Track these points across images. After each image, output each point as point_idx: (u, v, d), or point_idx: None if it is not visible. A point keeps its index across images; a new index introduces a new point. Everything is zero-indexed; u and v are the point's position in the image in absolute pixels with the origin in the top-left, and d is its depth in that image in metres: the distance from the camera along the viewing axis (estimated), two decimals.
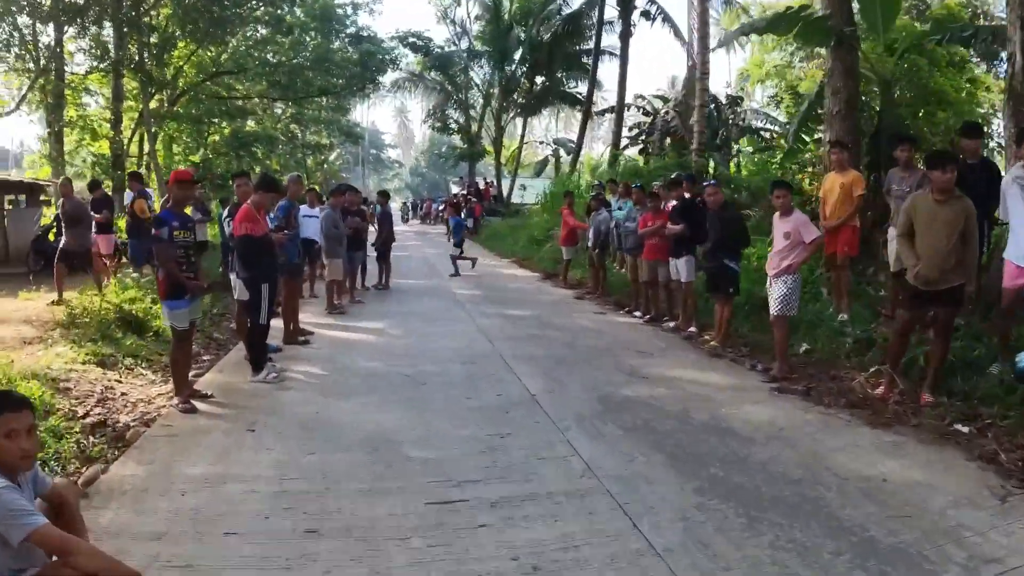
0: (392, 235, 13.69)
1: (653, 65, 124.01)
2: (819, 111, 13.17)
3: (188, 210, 12.76)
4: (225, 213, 7.99)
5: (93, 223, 10.90)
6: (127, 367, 7.18)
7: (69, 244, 10.32)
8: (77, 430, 5.28)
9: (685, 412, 5.90)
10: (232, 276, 7.49)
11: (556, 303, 11.87)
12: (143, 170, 22.19)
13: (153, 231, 5.95)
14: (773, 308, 7.19)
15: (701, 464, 4.76)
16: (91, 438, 5.25)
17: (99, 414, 5.81)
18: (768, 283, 7.37)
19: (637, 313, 10.57)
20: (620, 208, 14.37)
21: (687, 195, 9.73)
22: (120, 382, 6.74)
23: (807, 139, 14.71)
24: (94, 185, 11.70)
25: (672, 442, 5.19)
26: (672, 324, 9.68)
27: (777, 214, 7.35)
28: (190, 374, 6.87)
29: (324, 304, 10.82)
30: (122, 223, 13.24)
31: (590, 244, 12.48)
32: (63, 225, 10.55)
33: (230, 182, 8.74)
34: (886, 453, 4.97)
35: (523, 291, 13.40)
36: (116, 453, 4.99)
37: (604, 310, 11.15)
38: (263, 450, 4.88)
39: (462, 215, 29.97)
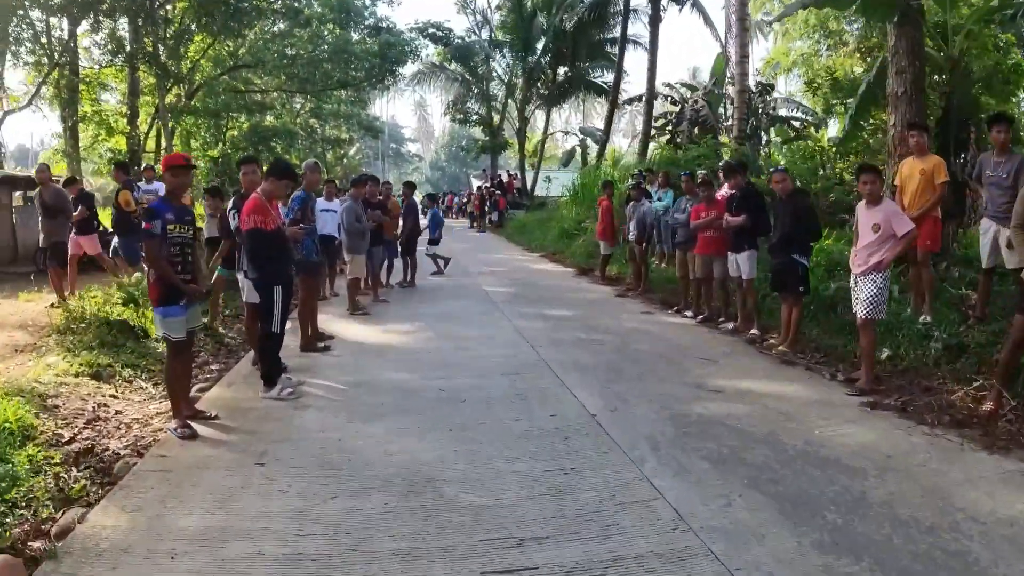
0: (418, 228, 12.81)
1: (674, 56, 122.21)
2: (880, 94, 12.24)
3: (199, 208, 11.80)
4: (230, 205, 7.07)
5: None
6: (125, 380, 6.34)
7: (46, 239, 9.37)
8: (58, 460, 4.44)
9: (773, 435, 4.98)
10: (240, 276, 6.64)
11: (597, 302, 10.90)
12: (159, 166, 21.46)
13: (144, 224, 5.07)
14: (861, 311, 6.25)
15: (812, 507, 3.85)
16: (74, 470, 4.41)
17: (87, 439, 4.98)
18: (852, 282, 6.44)
19: (688, 313, 9.62)
20: (660, 199, 13.43)
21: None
22: (115, 398, 5.90)
23: (863, 124, 13.68)
24: (70, 181, 10.58)
25: (770, 477, 4.27)
26: (730, 325, 8.75)
27: (863, 203, 6.42)
28: (194, 388, 6.04)
29: (344, 304, 9.97)
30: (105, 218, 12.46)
31: (632, 237, 11.51)
32: (39, 217, 9.55)
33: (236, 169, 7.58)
34: (1017, 486, 4.15)
35: (559, 288, 12.42)
36: (100, 492, 4.13)
37: (650, 309, 10.19)
38: (275, 493, 3.97)
39: (486, 207, 29.22)
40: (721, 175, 10.73)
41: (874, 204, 6.23)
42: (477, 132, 41.82)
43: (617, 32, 31.90)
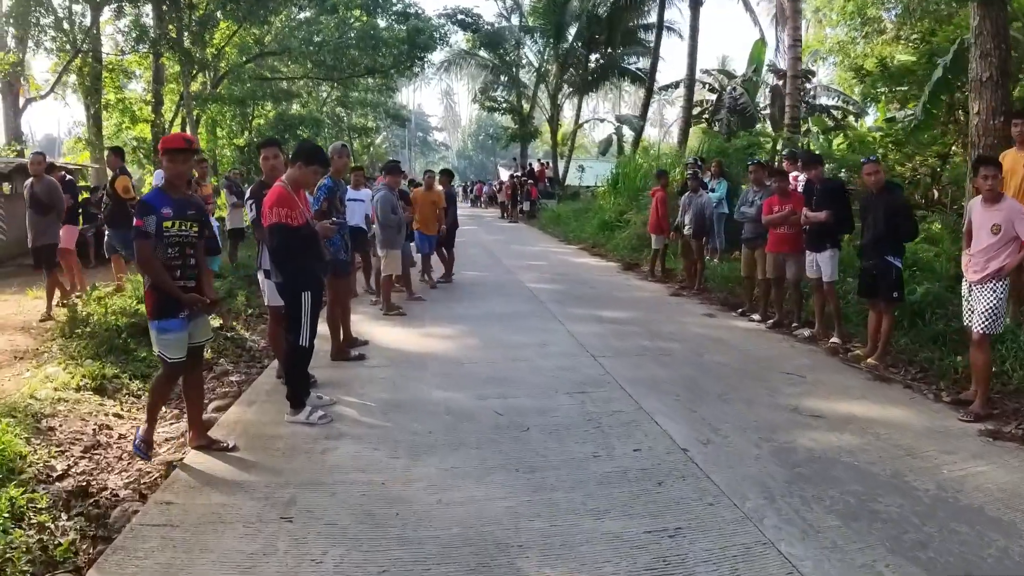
0: (456, 220, 11.87)
1: (702, 45, 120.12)
2: (956, 80, 11.21)
3: (220, 196, 10.82)
4: (248, 194, 6.03)
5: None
6: (132, 394, 5.56)
7: (35, 238, 8.29)
8: (44, 504, 3.65)
9: (899, 476, 4.12)
10: (260, 275, 5.78)
11: (651, 302, 9.94)
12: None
13: (134, 220, 4.18)
14: (977, 325, 5.34)
15: None
16: (63, 517, 3.63)
17: (82, 473, 4.19)
18: (966, 290, 5.52)
19: (755, 317, 8.67)
20: (712, 190, 12.50)
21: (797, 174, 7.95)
22: (120, 417, 5.13)
23: (934, 111, 12.59)
24: (49, 168, 9.48)
25: (915, 538, 3.42)
26: (807, 332, 7.83)
27: (978, 200, 5.50)
28: (210, 406, 5.25)
29: (366, 303, 9.20)
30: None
31: (688, 231, 10.56)
32: (28, 212, 8.41)
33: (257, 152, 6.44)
34: None
35: (607, 285, 11.44)
36: (91, 551, 3.33)
37: (712, 311, 9.23)
38: (305, 563, 3.09)
39: (517, 197, 28.26)
40: (787, 165, 9.77)
41: (993, 202, 5.33)
42: (505, 120, 40.91)
43: (651, 18, 31.09)
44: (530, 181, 29.26)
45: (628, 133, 31.68)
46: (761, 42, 27.69)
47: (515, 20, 36.25)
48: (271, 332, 5.89)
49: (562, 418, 4.96)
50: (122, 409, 5.24)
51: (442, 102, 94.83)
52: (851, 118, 24.27)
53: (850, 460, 4.36)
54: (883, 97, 16.73)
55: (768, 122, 25.53)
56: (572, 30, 32.60)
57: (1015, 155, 6.81)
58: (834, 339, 7.43)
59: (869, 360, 6.65)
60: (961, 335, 6.85)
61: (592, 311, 8.97)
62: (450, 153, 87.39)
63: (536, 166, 33.43)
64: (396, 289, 9.55)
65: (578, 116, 37.34)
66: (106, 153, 9.47)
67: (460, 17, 33.79)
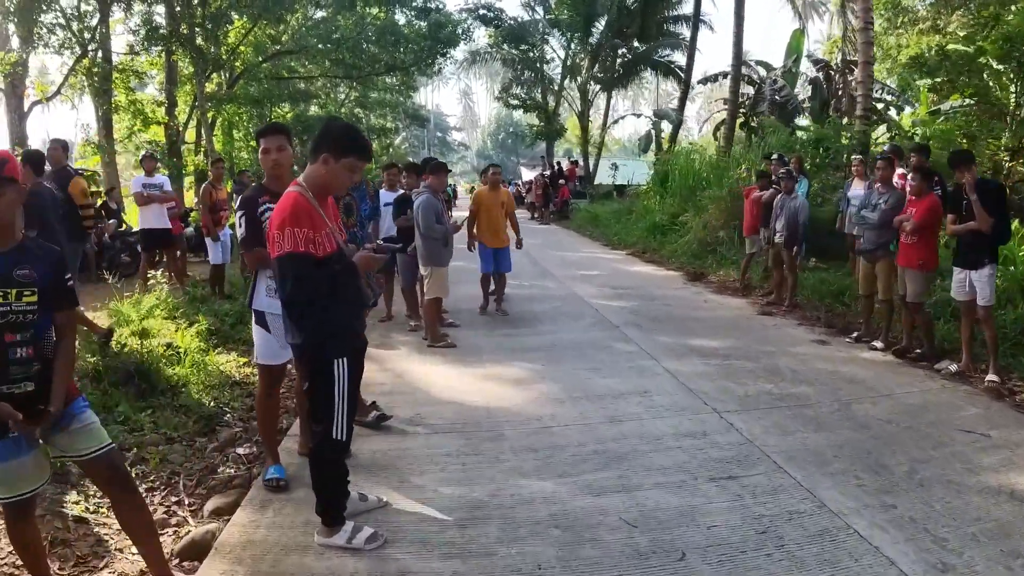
0: None
1: (722, 39, 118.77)
2: None
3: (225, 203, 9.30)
4: (238, 203, 4.01)
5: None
6: None
7: None
8: None
9: None
10: (254, 326, 3.97)
11: (744, 324, 8.26)
12: (200, 156, 19.87)
13: None
14: None
15: None
16: None
17: None
18: None
19: (877, 344, 7.06)
20: None
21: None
22: (84, 522, 3.60)
23: None
24: None
25: None
26: (953, 367, 6.27)
27: None
28: (208, 507, 3.75)
29: (404, 331, 7.75)
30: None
31: (779, 238, 8.96)
32: None
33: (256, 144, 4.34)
34: None
35: (681, 302, 9.67)
36: None
37: (819, 336, 7.61)
38: None
39: (548, 197, 26.62)
40: (903, 160, 8.17)
41: None
42: (528, 118, 39.54)
43: (681, 9, 30.04)
44: (561, 180, 27.63)
45: (668, 129, 30.09)
46: (800, 31, 26.35)
47: (540, 13, 34.78)
48: (260, 396, 4.09)
49: (724, 529, 3.34)
50: (88, 505, 3.74)
51: (460, 102, 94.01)
52: (892, 111, 22.77)
53: None
54: (944, 88, 15.14)
55: (807, 115, 24.03)
56: (602, 22, 31.14)
57: None
58: (991, 376, 5.93)
59: None
60: None
61: (681, 339, 7.32)
62: (469, 153, 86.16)
63: (566, 164, 31.79)
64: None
65: (607, 112, 35.71)
66: (48, 147, 7.45)
67: (482, 12, 32.61)
